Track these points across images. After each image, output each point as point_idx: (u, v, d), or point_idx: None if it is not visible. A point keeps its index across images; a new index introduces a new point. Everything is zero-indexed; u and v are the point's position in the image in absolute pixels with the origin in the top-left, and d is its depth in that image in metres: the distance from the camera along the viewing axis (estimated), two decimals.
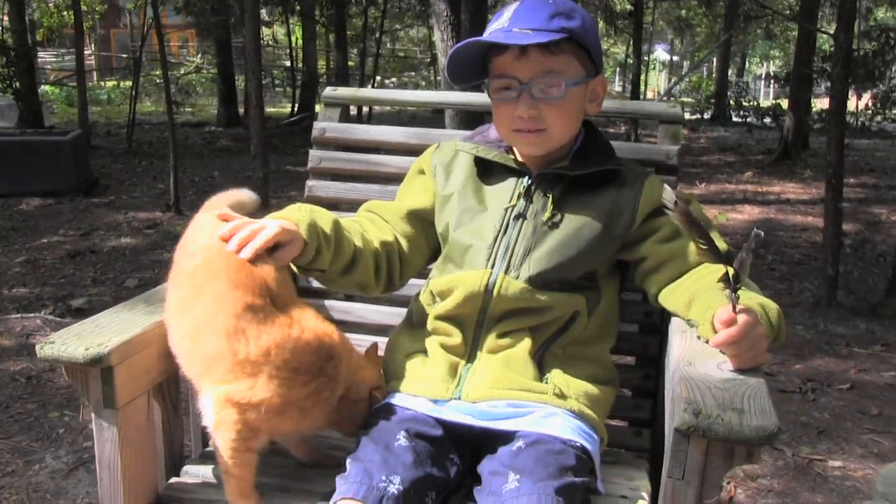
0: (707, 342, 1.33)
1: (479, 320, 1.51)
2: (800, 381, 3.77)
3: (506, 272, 1.49)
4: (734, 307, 1.25)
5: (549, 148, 1.55)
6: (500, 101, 1.54)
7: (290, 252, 1.35)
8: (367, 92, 2.34)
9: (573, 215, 1.53)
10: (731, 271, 1.26)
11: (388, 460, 1.32)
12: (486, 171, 1.62)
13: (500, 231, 1.53)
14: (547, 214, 1.52)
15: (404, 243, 1.63)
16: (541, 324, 1.50)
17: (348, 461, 1.36)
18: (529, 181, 1.57)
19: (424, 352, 1.55)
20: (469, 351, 1.51)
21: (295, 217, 1.40)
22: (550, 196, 1.54)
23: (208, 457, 1.57)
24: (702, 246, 1.30)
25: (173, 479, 1.52)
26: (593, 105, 1.58)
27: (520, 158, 1.60)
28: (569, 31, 1.45)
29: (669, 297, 1.48)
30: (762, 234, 1.26)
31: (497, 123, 1.59)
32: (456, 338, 1.51)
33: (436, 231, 1.65)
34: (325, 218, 1.47)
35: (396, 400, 1.49)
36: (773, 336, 1.32)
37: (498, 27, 1.49)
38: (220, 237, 1.32)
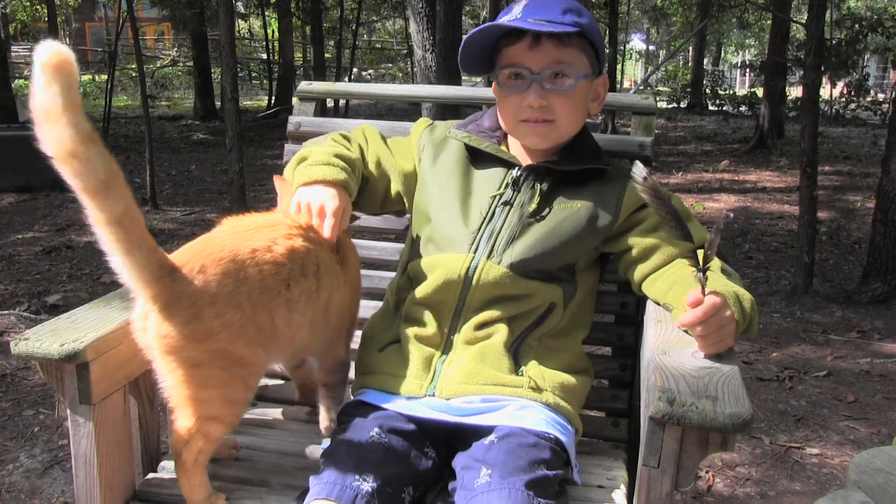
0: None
1: (457, 308, 1.51)
2: (777, 368, 3.80)
3: (488, 257, 1.49)
4: (703, 288, 1.27)
5: (555, 140, 1.57)
6: (508, 92, 1.55)
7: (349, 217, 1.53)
8: (342, 86, 2.32)
9: (559, 209, 1.54)
10: (699, 252, 1.28)
11: (361, 458, 1.32)
12: (476, 158, 1.63)
13: (485, 217, 1.54)
14: (533, 206, 1.53)
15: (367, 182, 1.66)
16: (518, 314, 1.50)
17: (322, 460, 1.36)
18: (519, 172, 1.58)
19: (399, 342, 1.54)
20: (444, 341, 1.51)
21: (335, 176, 1.51)
22: (538, 188, 1.55)
23: None
24: (670, 224, 1.32)
25: (150, 475, 1.52)
26: (594, 105, 1.61)
27: (511, 151, 1.62)
28: (581, 27, 1.49)
29: (651, 286, 1.50)
30: (731, 215, 1.27)
31: (503, 114, 1.60)
32: (430, 328, 1.51)
33: (391, 191, 1.67)
34: (351, 163, 1.58)
35: (369, 397, 1.49)
36: (745, 325, 1.34)
37: (510, 19, 1.50)
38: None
